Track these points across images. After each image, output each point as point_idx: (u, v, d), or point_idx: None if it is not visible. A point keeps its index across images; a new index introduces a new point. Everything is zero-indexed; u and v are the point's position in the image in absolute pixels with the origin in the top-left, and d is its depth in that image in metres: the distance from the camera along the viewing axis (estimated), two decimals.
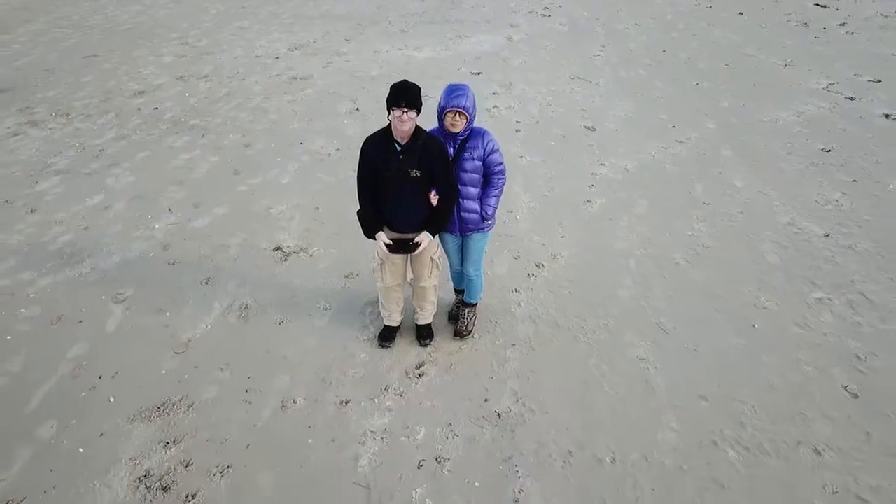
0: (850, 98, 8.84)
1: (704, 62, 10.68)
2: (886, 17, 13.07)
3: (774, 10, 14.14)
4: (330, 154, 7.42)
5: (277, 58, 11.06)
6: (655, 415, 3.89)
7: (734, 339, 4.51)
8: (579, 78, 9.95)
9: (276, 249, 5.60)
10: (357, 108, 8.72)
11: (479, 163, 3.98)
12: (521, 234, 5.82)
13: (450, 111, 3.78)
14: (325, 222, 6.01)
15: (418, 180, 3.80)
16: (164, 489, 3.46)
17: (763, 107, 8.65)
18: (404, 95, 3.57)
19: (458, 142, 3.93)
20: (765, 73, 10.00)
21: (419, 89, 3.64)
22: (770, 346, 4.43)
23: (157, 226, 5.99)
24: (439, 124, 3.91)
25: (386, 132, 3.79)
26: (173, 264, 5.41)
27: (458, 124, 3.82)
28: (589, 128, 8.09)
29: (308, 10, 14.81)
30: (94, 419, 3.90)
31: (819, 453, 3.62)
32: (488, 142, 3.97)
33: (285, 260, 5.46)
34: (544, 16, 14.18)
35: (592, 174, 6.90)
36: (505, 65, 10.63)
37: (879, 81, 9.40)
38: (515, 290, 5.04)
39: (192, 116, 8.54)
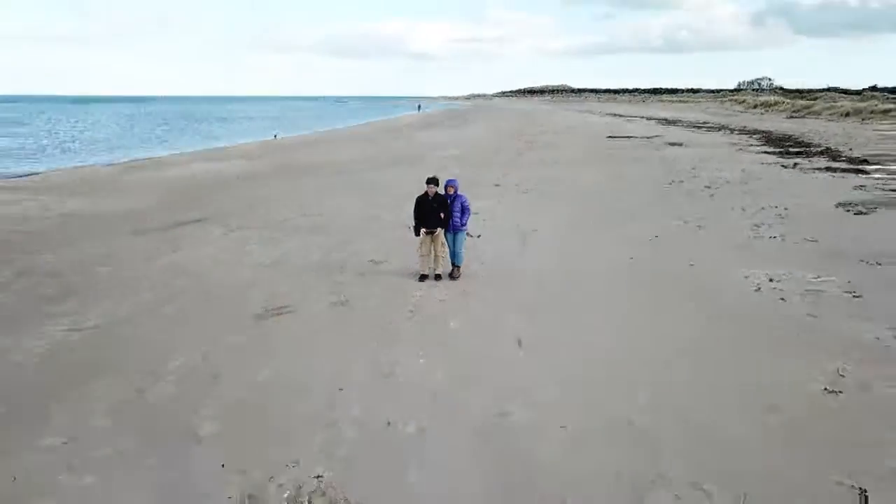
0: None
1: (626, 202, 17.74)
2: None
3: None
4: (398, 235, 14.29)
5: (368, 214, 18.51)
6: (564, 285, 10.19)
7: (620, 264, 10.83)
8: (534, 215, 17.03)
9: (370, 261, 12.24)
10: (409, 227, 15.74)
11: (460, 205, 10.75)
12: (486, 253, 12.38)
13: (448, 186, 10.69)
14: (391, 256, 12.67)
15: (437, 210, 10.58)
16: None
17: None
18: (432, 180, 10.55)
19: (452, 198, 10.76)
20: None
21: (437, 178, 10.60)
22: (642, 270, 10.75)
23: (314, 257, 12.71)
24: (444, 190, 10.78)
25: (425, 193, 10.68)
26: (327, 265, 12.04)
27: (451, 191, 10.70)
28: (534, 230, 14.90)
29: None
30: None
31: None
32: (465, 199, 10.80)
33: (377, 265, 12.06)
34: (524, 192, 21.80)
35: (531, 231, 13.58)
36: (490, 212, 17.84)
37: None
38: (482, 264, 11.52)
39: (313, 226, 15.65)
